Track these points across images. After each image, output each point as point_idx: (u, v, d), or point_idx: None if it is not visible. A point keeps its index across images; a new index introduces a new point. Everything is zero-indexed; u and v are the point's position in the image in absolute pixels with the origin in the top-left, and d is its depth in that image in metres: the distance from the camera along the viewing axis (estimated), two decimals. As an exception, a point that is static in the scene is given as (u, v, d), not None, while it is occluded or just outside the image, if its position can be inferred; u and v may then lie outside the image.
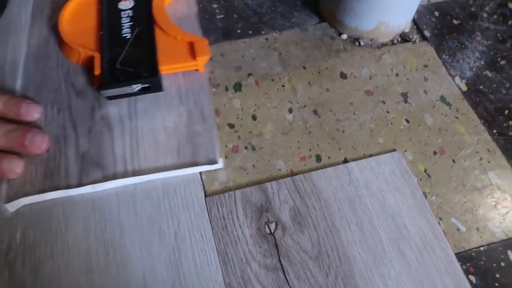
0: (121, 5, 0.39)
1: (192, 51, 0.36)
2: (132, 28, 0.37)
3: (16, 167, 0.31)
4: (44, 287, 0.28)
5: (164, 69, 0.35)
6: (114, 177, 0.32)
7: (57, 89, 0.36)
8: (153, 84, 0.35)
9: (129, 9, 0.38)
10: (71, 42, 0.37)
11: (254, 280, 0.28)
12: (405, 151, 0.34)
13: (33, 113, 0.34)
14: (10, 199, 0.31)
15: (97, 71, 0.35)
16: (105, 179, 0.32)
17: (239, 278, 0.28)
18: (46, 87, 0.36)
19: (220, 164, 0.32)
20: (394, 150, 0.34)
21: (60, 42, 0.38)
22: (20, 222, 0.30)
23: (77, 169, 0.32)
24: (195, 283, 0.28)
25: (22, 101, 0.33)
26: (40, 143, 0.32)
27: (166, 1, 0.41)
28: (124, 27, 0.37)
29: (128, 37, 0.36)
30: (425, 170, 0.33)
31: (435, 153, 0.34)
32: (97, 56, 0.35)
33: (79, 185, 0.31)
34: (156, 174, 0.32)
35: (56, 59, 0.38)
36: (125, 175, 0.32)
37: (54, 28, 0.40)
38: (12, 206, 0.30)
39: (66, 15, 0.39)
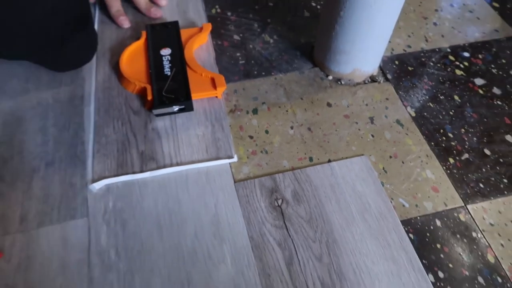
0: (162, 52, 0.55)
1: (213, 84, 0.53)
2: (171, 68, 0.53)
3: None
4: (129, 237, 0.42)
5: (194, 96, 0.52)
6: (164, 166, 0.47)
7: (119, 110, 0.52)
8: (187, 106, 0.51)
9: (168, 55, 0.55)
10: (130, 77, 0.53)
11: (268, 234, 0.42)
12: (370, 155, 0.49)
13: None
14: (94, 181, 0.46)
15: (149, 97, 0.51)
16: (158, 168, 0.47)
17: (258, 233, 0.43)
18: (112, 109, 0.52)
19: (235, 158, 0.48)
20: (362, 154, 0.49)
21: (121, 77, 0.55)
22: (111, 195, 0.45)
23: (139, 161, 0.48)
24: (229, 235, 0.42)
25: None
26: None
27: (193, 48, 0.58)
28: (165, 67, 0.54)
29: (169, 74, 0.53)
30: (383, 168, 0.48)
31: (390, 157, 0.49)
32: (148, 87, 0.52)
33: (141, 171, 0.47)
34: (191, 165, 0.47)
35: (117, 89, 0.54)
36: (171, 165, 0.47)
37: (115, 67, 0.56)
38: (95, 186, 0.45)
39: (124, 59, 0.56)
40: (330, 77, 0.57)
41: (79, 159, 0.48)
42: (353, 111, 0.54)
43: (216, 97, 0.53)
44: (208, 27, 0.60)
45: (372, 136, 0.51)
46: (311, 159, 0.49)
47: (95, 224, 0.43)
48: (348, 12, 0.48)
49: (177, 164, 0.47)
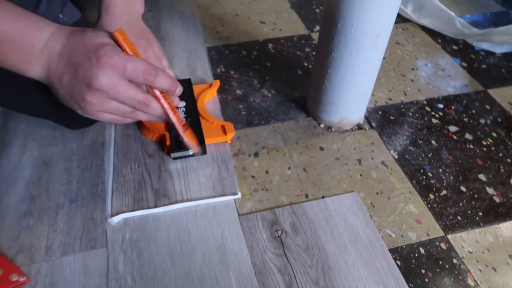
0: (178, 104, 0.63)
1: (224, 130, 0.60)
2: (186, 118, 0.61)
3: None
4: (144, 264, 0.47)
5: (207, 141, 0.59)
6: (176, 202, 0.53)
7: (136, 153, 0.59)
8: (201, 150, 0.57)
9: (183, 106, 0.63)
10: (150, 126, 0.61)
11: (269, 261, 0.47)
12: (359, 192, 0.56)
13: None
14: (112, 215, 0.51)
15: (168, 143, 0.58)
16: (171, 203, 0.53)
17: (260, 260, 0.47)
18: (129, 153, 0.59)
19: (239, 195, 0.54)
20: (352, 191, 0.56)
21: (141, 126, 0.62)
22: (128, 227, 0.50)
23: (153, 198, 0.53)
24: (234, 262, 0.47)
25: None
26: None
27: (205, 101, 0.66)
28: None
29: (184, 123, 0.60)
30: (371, 203, 0.54)
31: (377, 193, 0.55)
32: (167, 134, 0.59)
33: (155, 207, 0.52)
34: (200, 201, 0.53)
35: (134, 136, 0.61)
36: (182, 201, 0.53)
37: None
38: (114, 220, 0.50)
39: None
40: (322, 125, 0.65)
41: (100, 196, 0.53)
42: (343, 154, 0.61)
43: (226, 142, 0.61)
44: (217, 83, 0.68)
45: (360, 175, 0.58)
46: (306, 195, 0.55)
47: (113, 253, 0.47)
48: (335, 69, 0.57)
49: (187, 200, 0.53)
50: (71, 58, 0.40)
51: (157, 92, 0.44)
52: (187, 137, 0.50)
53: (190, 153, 0.57)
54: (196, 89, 0.67)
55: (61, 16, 0.57)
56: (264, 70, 0.75)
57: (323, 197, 0.55)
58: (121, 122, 0.46)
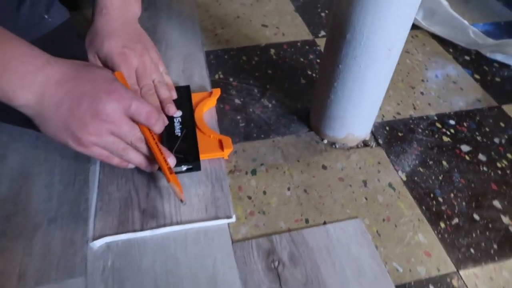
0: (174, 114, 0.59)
1: (221, 145, 0.55)
2: (181, 129, 0.56)
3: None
4: (126, 297, 0.42)
5: (202, 156, 0.54)
6: (164, 225, 0.48)
7: (124, 168, 0.54)
8: (195, 166, 0.53)
9: (179, 116, 0.58)
10: None
11: (264, 297, 0.43)
12: (364, 218, 0.51)
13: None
14: (95, 238, 0.47)
15: None
16: (158, 226, 0.48)
17: (254, 295, 0.43)
18: (117, 167, 0.54)
19: (233, 219, 0.49)
20: (356, 217, 0.51)
21: None
22: (111, 253, 0.46)
23: (140, 219, 0.49)
24: (226, 297, 0.43)
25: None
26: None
27: (203, 111, 0.61)
28: (176, 128, 0.56)
29: (179, 135, 0.56)
30: (377, 231, 0.50)
31: (383, 220, 0.51)
32: None
33: (141, 229, 0.48)
34: (191, 225, 0.48)
35: None
36: (171, 224, 0.48)
37: None
38: (96, 244, 0.46)
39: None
40: (325, 141, 0.60)
41: (82, 216, 0.49)
42: (347, 174, 0.56)
43: (223, 157, 0.56)
44: (217, 92, 0.64)
45: (366, 199, 0.53)
46: (307, 220, 0.51)
47: (93, 283, 0.43)
48: (342, 82, 0.52)
49: (177, 223, 0.49)
50: (75, 87, 0.41)
51: (147, 133, 0.46)
52: (172, 182, 0.46)
53: (184, 169, 0.52)
54: (195, 97, 0.62)
55: (46, 16, 0.52)
56: (265, 78, 0.71)
57: (325, 223, 0.50)
58: (107, 160, 0.46)
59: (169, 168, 0.46)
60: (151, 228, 0.48)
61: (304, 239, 0.48)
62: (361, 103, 0.54)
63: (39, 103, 0.40)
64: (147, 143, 0.46)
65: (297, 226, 0.50)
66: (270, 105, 0.66)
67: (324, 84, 0.55)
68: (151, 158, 0.47)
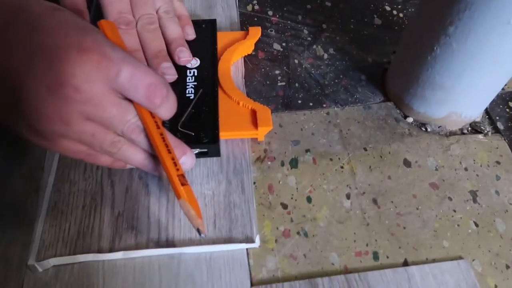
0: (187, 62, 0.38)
1: (254, 119, 0.35)
2: (195, 88, 0.37)
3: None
4: None
5: (223, 135, 0.35)
6: (147, 245, 0.31)
7: (122, 169, 0.35)
8: (212, 150, 0.34)
9: (195, 68, 0.38)
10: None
11: None
12: (473, 260, 0.31)
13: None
14: (40, 258, 0.30)
15: None
16: (138, 246, 0.30)
17: None
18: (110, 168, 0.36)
19: (256, 243, 0.31)
20: (460, 257, 0.31)
21: None
22: (60, 284, 0.29)
23: (111, 230, 0.31)
24: None
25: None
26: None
27: (231, 62, 0.40)
28: (188, 87, 0.37)
29: (192, 97, 0.36)
30: (496, 287, 0.30)
31: (507, 267, 0.31)
32: None
33: (111, 250, 0.30)
34: (188, 248, 0.30)
35: None
36: (157, 244, 0.31)
37: None
38: (38, 267, 0.29)
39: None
40: (410, 119, 0.39)
41: (27, 215, 0.32)
42: (445, 178, 0.35)
43: (255, 139, 0.37)
44: (257, 32, 0.42)
45: (476, 225, 0.33)
46: (376, 255, 0.31)
47: (24, 337, 0.27)
48: (465, 28, 0.29)
49: (166, 243, 0.31)
50: (24, 40, 0.23)
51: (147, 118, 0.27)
52: (184, 199, 0.27)
53: (194, 152, 0.33)
54: (221, 38, 0.41)
55: None
56: (320, 13, 0.48)
57: (405, 262, 0.31)
58: (89, 159, 0.28)
59: (181, 176, 0.27)
60: (126, 247, 0.30)
61: (370, 290, 0.29)
62: (490, 66, 0.31)
63: None
64: (147, 134, 0.27)
65: (359, 264, 0.30)
66: (325, 56, 0.44)
67: (426, 26, 0.32)
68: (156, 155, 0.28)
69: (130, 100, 0.26)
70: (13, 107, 0.24)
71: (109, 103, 0.25)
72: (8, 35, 0.23)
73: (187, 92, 0.36)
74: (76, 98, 0.23)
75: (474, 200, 0.34)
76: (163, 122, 0.33)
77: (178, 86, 0.36)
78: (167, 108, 0.28)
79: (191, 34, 0.39)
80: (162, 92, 0.27)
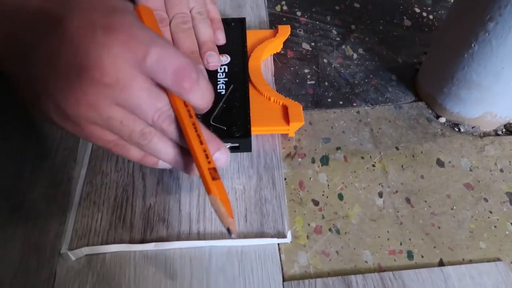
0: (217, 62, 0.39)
1: (286, 115, 0.35)
2: (226, 84, 0.37)
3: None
4: None
5: (255, 130, 0.34)
6: (178, 237, 0.30)
7: (153, 167, 0.35)
8: (243, 145, 0.34)
9: (225, 64, 0.38)
10: None
11: None
12: (511, 262, 0.30)
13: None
14: (73, 246, 0.30)
15: None
16: (169, 238, 0.30)
17: None
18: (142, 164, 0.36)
19: (288, 239, 0.30)
20: (498, 259, 0.30)
21: None
22: (91, 273, 0.29)
23: (142, 222, 0.31)
24: None
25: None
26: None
27: (262, 59, 0.40)
28: (219, 82, 0.37)
29: (223, 93, 0.36)
30: (537, 291, 0.29)
31: (548, 271, 0.29)
32: None
33: (142, 241, 0.30)
34: (219, 241, 0.30)
35: None
36: (189, 236, 0.30)
37: None
38: (71, 256, 0.29)
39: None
40: (443, 119, 0.38)
41: (59, 205, 0.32)
42: (480, 179, 0.34)
43: (287, 134, 0.36)
44: (286, 30, 0.42)
45: (514, 226, 0.32)
46: (410, 254, 0.30)
47: (57, 324, 0.27)
48: (506, 24, 0.29)
49: (198, 236, 0.30)
50: (60, 21, 0.23)
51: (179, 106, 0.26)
52: (215, 195, 0.26)
53: (227, 145, 0.33)
54: (251, 37, 0.41)
55: None
56: (350, 14, 0.48)
57: (441, 262, 0.30)
58: (118, 151, 0.27)
59: (212, 170, 0.26)
60: (158, 239, 0.30)
61: (405, 287, 0.28)
62: (527, 61, 0.31)
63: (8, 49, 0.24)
64: (179, 124, 0.26)
65: (393, 263, 0.30)
66: (355, 56, 0.43)
67: (463, 22, 0.32)
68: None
69: (163, 89, 0.26)
70: (43, 91, 0.24)
71: (138, 88, 0.24)
72: (37, 19, 0.24)
73: (218, 88, 0.36)
74: (103, 81, 0.22)
75: (511, 202, 0.33)
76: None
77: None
78: (198, 94, 0.26)
79: (222, 39, 0.39)
80: (191, 76, 0.25)
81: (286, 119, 0.35)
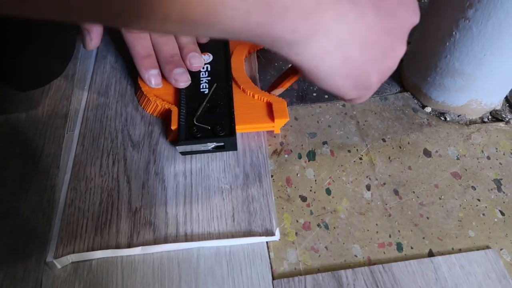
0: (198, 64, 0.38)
1: (270, 112, 0.35)
2: (209, 83, 0.36)
3: None
4: None
5: (240, 128, 0.34)
6: (165, 240, 0.30)
7: (113, 139, 0.36)
8: (228, 144, 0.33)
9: (207, 63, 0.38)
10: (149, 93, 0.37)
11: None
12: (501, 249, 0.30)
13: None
14: (58, 255, 0.29)
15: (174, 126, 0.34)
16: (156, 241, 0.30)
17: None
18: (103, 137, 0.36)
19: (276, 236, 0.30)
20: (487, 247, 0.30)
21: (138, 91, 0.38)
22: (78, 281, 0.28)
23: (129, 226, 0.31)
24: None
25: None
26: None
27: (244, 56, 0.40)
28: (202, 82, 0.36)
29: (206, 92, 0.36)
30: (526, 277, 0.29)
31: (537, 256, 0.29)
32: (174, 110, 0.35)
33: (129, 245, 0.30)
34: (207, 242, 0.30)
35: (115, 108, 0.38)
36: (176, 238, 0.30)
37: (115, 75, 0.40)
38: (61, 263, 0.29)
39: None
40: (428, 109, 0.38)
41: (43, 213, 0.32)
42: (467, 167, 0.34)
43: (272, 131, 0.36)
44: None
45: (502, 213, 0.32)
46: (399, 246, 0.30)
47: (44, 334, 0.26)
48: (485, 10, 0.28)
49: (185, 238, 0.30)
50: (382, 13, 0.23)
51: None
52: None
53: (210, 147, 0.33)
54: None
55: None
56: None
57: (431, 253, 0.30)
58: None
59: None
60: (144, 243, 0.30)
61: (396, 281, 0.28)
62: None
63: (327, 33, 0.23)
64: None
65: (382, 256, 0.30)
66: (339, 49, 0.43)
67: (442, 10, 0.32)
68: None
69: None
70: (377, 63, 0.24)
71: None
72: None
73: (201, 87, 0.36)
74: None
75: (499, 189, 0.33)
76: (179, 122, 0.33)
77: (192, 82, 0.36)
78: None
79: (205, 38, 0.39)
80: None
81: (271, 116, 0.34)
